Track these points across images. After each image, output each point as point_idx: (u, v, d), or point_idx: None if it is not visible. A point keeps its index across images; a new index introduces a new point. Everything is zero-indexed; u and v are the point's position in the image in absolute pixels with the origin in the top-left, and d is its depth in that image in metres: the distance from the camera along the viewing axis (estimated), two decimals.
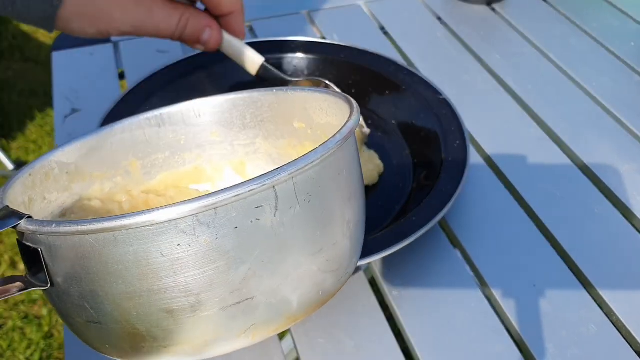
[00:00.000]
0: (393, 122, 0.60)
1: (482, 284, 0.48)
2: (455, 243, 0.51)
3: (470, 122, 0.62)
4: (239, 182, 0.25)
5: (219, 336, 0.27)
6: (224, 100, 0.41)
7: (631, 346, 0.44)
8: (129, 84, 0.63)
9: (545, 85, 0.69)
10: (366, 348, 0.44)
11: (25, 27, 1.96)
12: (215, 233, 0.25)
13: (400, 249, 0.45)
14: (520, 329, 0.45)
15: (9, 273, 1.19)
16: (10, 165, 1.46)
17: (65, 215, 0.37)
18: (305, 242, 0.28)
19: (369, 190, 0.54)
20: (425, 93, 0.59)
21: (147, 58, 0.70)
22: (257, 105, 0.41)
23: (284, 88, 0.40)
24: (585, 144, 0.61)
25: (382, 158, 0.55)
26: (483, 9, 0.81)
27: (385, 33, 0.77)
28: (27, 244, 0.27)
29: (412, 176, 0.55)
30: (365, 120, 0.61)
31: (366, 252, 0.44)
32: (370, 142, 0.56)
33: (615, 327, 0.45)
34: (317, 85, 0.57)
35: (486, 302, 0.47)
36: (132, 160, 0.41)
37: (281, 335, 0.45)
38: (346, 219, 0.30)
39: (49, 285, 0.27)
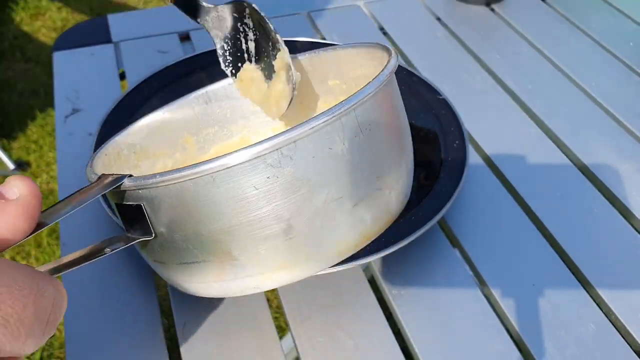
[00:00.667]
0: None
1: (481, 283, 0.48)
2: (454, 242, 0.51)
3: (470, 122, 0.62)
4: (312, 117, 0.28)
5: (310, 256, 0.31)
6: None
7: (630, 345, 0.44)
8: (129, 84, 0.64)
9: (544, 85, 0.69)
10: (365, 347, 0.44)
11: (26, 28, 1.96)
12: (297, 163, 0.28)
13: (400, 249, 0.45)
14: (520, 328, 0.45)
15: None
16: (11, 165, 1.46)
17: None
18: (371, 166, 0.31)
19: None
20: (425, 93, 0.59)
21: (147, 58, 0.71)
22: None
23: (316, 50, 0.43)
24: (584, 143, 0.61)
25: None
26: (482, 9, 0.81)
27: (385, 33, 0.77)
28: (128, 203, 0.30)
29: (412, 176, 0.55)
30: None
31: (366, 251, 0.44)
32: None
33: (614, 326, 0.45)
34: (241, 8, 0.46)
35: (485, 301, 0.47)
36: (186, 137, 0.45)
37: (281, 335, 0.46)
38: (402, 148, 0.34)
39: (153, 236, 0.30)
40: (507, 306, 0.47)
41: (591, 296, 0.47)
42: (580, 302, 0.47)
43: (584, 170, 0.58)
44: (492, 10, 0.81)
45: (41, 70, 1.78)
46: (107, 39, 0.74)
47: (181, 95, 0.61)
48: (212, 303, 0.46)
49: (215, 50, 0.64)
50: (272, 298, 1.00)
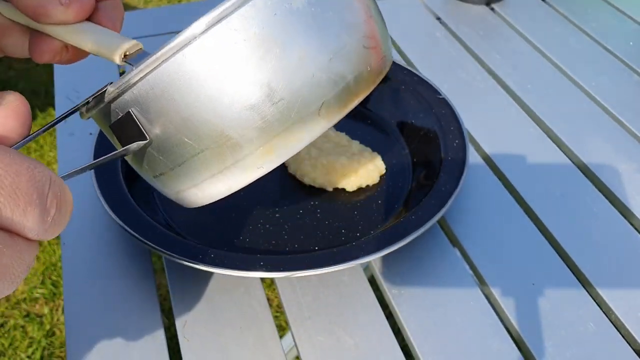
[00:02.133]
0: (392, 121, 0.60)
1: (481, 283, 0.48)
2: (454, 242, 0.51)
3: (470, 122, 0.62)
4: None
5: (300, 119, 0.30)
6: None
7: (630, 345, 0.44)
8: None
9: (544, 84, 0.69)
10: (366, 346, 0.44)
11: None
12: (260, 23, 0.28)
13: (400, 248, 0.45)
14: (519, 328, 0.45)
15: None
16: None
17: None
18: (339, 18, 0.31)
19: (369, 189, 0.54)
20: (425, 93, 0.60)
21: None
22: None
23: None
24: (584, 143, 0.61)
25: (381, 157, 0.56)
26: (482, 9, 0.81)
27: None
28: (118, 117, 0.30)
29: (412, 175, 0.55)
30: (365, 119, 0.61)
31: (366, 251, 0.44)
32: (371, 142, 0.57)
33: (614, 325, 0.45)
34: None
35: (485, 300, 0.47)
36: None
37: (281, 334, 0.46)
38: (367, 3, 0.33)
39: (147, 139, 0.30)
40: (507, 305, 0.47)
41: (591, 295, 0.47)
42: (580, 301, 0.47)
43: (584, 169, 0.58)
44: (492, 9, 0.81)
45: (42, 69, 1.78)
46: None
47: None
48: (212, 302, 0.46)
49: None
50: (273, 297, 1.00)
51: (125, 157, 0.33)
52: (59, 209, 0.24)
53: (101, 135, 0.54)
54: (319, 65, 0.30)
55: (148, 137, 0.31)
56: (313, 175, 0.54)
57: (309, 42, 0.30)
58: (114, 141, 0.33)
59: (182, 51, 0.28)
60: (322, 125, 0.31)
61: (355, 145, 0.56)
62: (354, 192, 0.54)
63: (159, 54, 0.28)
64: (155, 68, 0.29)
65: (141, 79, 0.29)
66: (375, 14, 0.35)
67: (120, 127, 0.31)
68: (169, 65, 0.28)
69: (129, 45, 0.38)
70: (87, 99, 0.32)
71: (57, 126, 0.62)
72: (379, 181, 0.55)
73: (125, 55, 0.37)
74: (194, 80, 0.29)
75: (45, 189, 0.23)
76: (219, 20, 0.28)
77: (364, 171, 0.54)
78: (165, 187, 0.34)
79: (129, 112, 0.30)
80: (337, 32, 0.31)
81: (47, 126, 0.32)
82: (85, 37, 0.38)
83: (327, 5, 0.31)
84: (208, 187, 0.32)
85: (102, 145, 0.53)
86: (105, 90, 0.30)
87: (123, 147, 0.32)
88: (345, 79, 0.31)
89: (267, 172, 0.32)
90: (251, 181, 0.32)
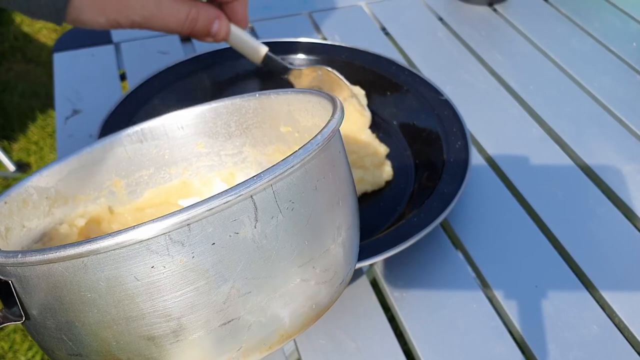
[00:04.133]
0: (394, 122, 0.60)
1: (484, 285, 0.48)
2: (456, 244, 0.51)
3: (472, 123, 0.62)
4: (212, 195, 0.23)
5: (206, 358, 0.25)
6: (207, 109, 0.39)
7: (633, 347, 0.44)
8: (130, 85, 0.63)
9: (546, 85, 0.69)
10: (367, 349, 0.44)
11: (26, 29, 1.96)
12: (191, 251, 0.23)
13: (402, 250, 0.45)
14: (522, 330, 0.45)
15: None
16: (11, 167, 1.46)
17: (39, 242, 0.35)
18: (292, 253, 0.26)
19: (371, 192, 0.54)
20: (427, 94, 0.59)
21: (148, 59, 0.70)
22: (241, 112, 0.39)
23: (267, 92, 0.38)
24: (587, 144, 0.61)
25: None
26: (484, 9, 0.81)
27: (387, 34, 0.77)
28: None
29: (414, 177, 0.55)
30: None
31: (368, 254, 0.44)
32: None
33: (617, 328, 0.45)
34: (315, 72, 0.58)
35: (488, 303, 0.47)
36: (115, 179, 0.39)
37: None
38: (336, 224, 0.28)
39: (23, 318, 0.26)
40: (510, 308, 0.46)
41: (594, 298, 0.47)
42: (584, 304, 0.47)
43: (587, 171, 0.58)
44: (495, 10, 0.81)
45: (42, 71, 1.78)
46: (107, 40, 0.74)
47: (182, 97, 0.61)
48: None
49: (215, 51, 0.64)
50: None
51: None
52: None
53: (101, 136, 0.54)
54: (250, 307, 0.25)
55: (24, 316, 0.26)
56: None
57: (248, 281, 0.24)
58: None
59: (84, 260, 0.23)
60: None
61: (367, 142, 0.55)
62: None
63: (56, 254, 0.23)
64: (48, 262, 0.24)
65: (28, 264, 0.24)
66: (348, 231, 0.29)
67: (1, 287, 0.26)
68: (65, 266, 0.24)
69: (265, 50, 0.56)
70: None
71: (56, 128, 0.62)
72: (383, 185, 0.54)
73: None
74: (90, 291, 0.24)
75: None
76: (139, 239, 0.23)
77: (372, 177, 0.53)
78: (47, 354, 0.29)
79: (8, 282, 0.25)
80: (288, 270, 0.26)
81: None
82: (234, 45, 0.57)
83: (286, 236, 0.25)
84: None
85: None
86: None
87: (3, 307, 0.27)
88: (281, 321, 0.26)
89: None
90: None
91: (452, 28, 0.78)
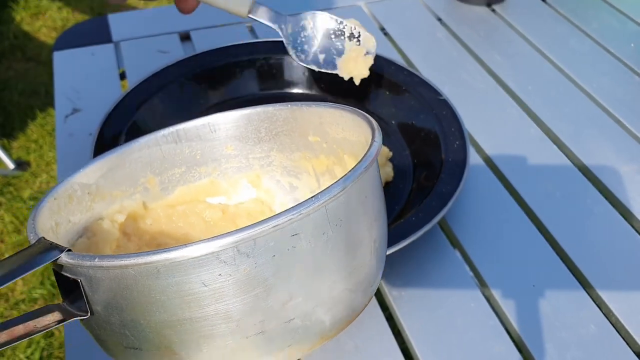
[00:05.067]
0: (393, 122, 0.60)
1: (482, 285, 0.48)
2: (454, 243, 0.51)
3: (470, 123, 0.62)
4: (277, 213, 0.26)
5: (258, 357, 0.28)
6: (239, 115, 0.41)
7: (630, 346, 0.44)
8: (130, 83, 0.63)
9: (545, 86, 0.69)
10: (366, 348, 0.44)
11: (26, 27, 1.96)
12: (254, 262, 0.26)
13: (400, 249, 0.45)
14: (520, 330, 0.45)
15: None
16: (11, 165, 1.46)
17: (84, 236, 0.37)
18: (338, 265, 0.29)
19: None
20: (426, 94, 0.59)
21: (147, 58, 0.70)
22: (272, 120, 0.41)
23: (299, 103, 0.40)
24: (584, 144, 0.61)
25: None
26: (483, 10, 0.81)
27: (386, 34, 0.77)
28: (66, 274, 0.28)
29: (412, 176, 0.55)
30: None
31: None
32: None
33: (614, 327, 0.45)
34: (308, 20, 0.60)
35: (485, 302, 0.47)
36: (149, 177, 0.42)
37: None
38: (373, 238, 0.31)
39: (89, 314, 0.28)
40: (508, 307, 0.46)
41: (591, 297, 0.47)
42: (581, 303, 0.47)
43: (585, 171, 0.58)
44: (493, 10, 0.81)
45: (41, 69, 1.78)
46: (107, 39, 0.74)
47: (181, 95, 0.61)
48: None
49: (214, 50, 0.64)
50: None
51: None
52: None
53: (100, 135, 0.54)
54: (301, 312, 0.28)
55: (89, 312, 0.28)
56: None
57: (299, 289, 0.28)
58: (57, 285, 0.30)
59: (158, 266, 0.26)
60: None
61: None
62: None
63: (133, 260, 0.25)
64: (123, 268, 0.26)
65: (102, 268, 0.26)
66: (379, 247, 0.32)
67: (66, 283, 0.28)
68: (139, 271, 0.26)
69: (252, 1, 0.51)
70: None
71: (56, 126, 0.62)
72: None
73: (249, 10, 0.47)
74: (159, 294, 0.26)
75: None
76: (212, 251, 0.25)
77: None
78: (99, 345, 0.32)
79: (77, 280, 0.28)
80: (334, 280, 0.29)
81: None
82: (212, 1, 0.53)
83: (334, 251, 0.28)
84: None
85: (101, 147, 0.53)
86: (59, 257, 0.27)
87: (64, 298, 0.29)
88: (323, 324, 0.29)
89: None
90: None
91: (450, 28, 0.78)
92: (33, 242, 0.29)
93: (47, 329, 0.28)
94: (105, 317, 0.28)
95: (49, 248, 0.28)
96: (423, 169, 0.55)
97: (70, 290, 0.28)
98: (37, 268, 0.27)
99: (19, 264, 0.27)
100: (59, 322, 0.28)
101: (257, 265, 0.26)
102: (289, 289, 0.27)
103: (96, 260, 0.26)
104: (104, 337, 0.29)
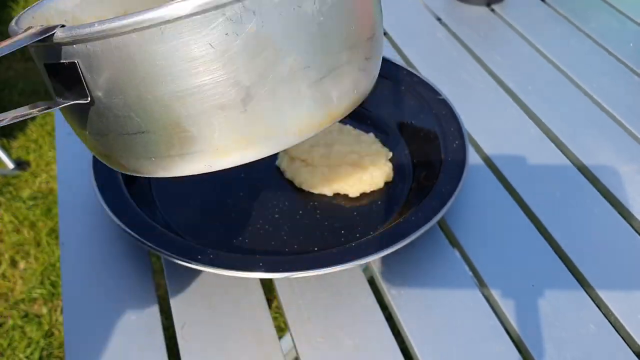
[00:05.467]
0: (392, 122, 0.60)
1: (481, 284, 0.48)
2: (454, 243, 0.51)
3: (470, 123, 0.62)
4: None
5: (268, 132, 0.28)
6: None
7: (629, 346, 0.44)
8: None
9: (544, 85, 0.69)
10: (365, 347, 0.44)
11: None
12: (261, 20, 0.25)
13: (399, 249, 0.45)
14: (519, 329, 0.45)
15: (9, 272, 1.20)
16: (10, 165, 1.46)
17: None
18: (342, 33, 0.28)
19: (370, 192, 0.54)
20: (425, 93, 0.59)
21: None
22: None
23: None
24: (584, 144, 0.61)
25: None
26: (483, 10, 0.81)
27: (385, 34, 0.77)
28: (60, 61, 0.26)
29: (412, 176, 0.55)
30: (365, 120, 0.61)
31: (365, 252, 0.44)
32: None
33: (613, 327, 0.45)
34: None
35: (485, 302, 0.47)
36: (127, 8, 0.38)
37: (280, 335, 0.46)
38: (373, 20, 0.31)
39: (89, 99, 0.27)
40: (507, 307, 0.46)
41: (591, 297, 0.47)
42: (580, 302, 0.47)
43: (584, 171, 0.58)
44: (493, 10, 0.81)
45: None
46: None
47: None
48: (211, 303, 0.46)
49: None
50: (272, 298, 0.99)
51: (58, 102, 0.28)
52: None
53: None
54: (308, 82, 0.27)
55: (90, 97, 0.27)
56: (311, 182, 0.53)
57: (307, 55, 0.27)
58: (47, 82, 0.28)
59: (162, 27, 0.24)
60: (290, 141, 0.29)
61: (371, 144, 0.55)
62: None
63: (135, 19, 0.24)
64: (124, 32, 0.24)
65: (103, 36, 0.25)
66: (379, 30, 0.32)
67: (60, 73, 0.27)
68: (142, 34, 0.24)
69: None
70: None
71: (56, 126, 0.62)
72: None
73: None
74: (165, 60, 0.25)
75: None
76: (216, 5, 0.24)
77: (369, 178, 0.53)
78: (96, 145, 0.30)
79: (74, 63, 0.26)
80: (339, 51, 0.28)
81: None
82: None
83: (338, 18, 0.28)
84: (145, 164, 0.29)
85: None
86: (54, 34, 0.25)
87: (57, 96, 0.27)
88: (331, 100, 0.29)
89: (213, 171, 0.29)
90: (193, 174, 0.29)
91: (450, 28, 0.78)
92: (20, 32, 0.27)
93: (41, 111, 0.27)
94: (107, 102, 0.26)
95: (41, 28, 0.26)
96: (422, 169, 0.55)
97: (65, 81, 0.26)
98: (30, 43, 0.25)
99: (7, 43, 0.25)
100: (54, 107, 0.27)
101: (264, 25, 0.25)
102: (297, 55, 0.27)
103: (95, 25, 0.24)
104: (104, 130, 0.28)
